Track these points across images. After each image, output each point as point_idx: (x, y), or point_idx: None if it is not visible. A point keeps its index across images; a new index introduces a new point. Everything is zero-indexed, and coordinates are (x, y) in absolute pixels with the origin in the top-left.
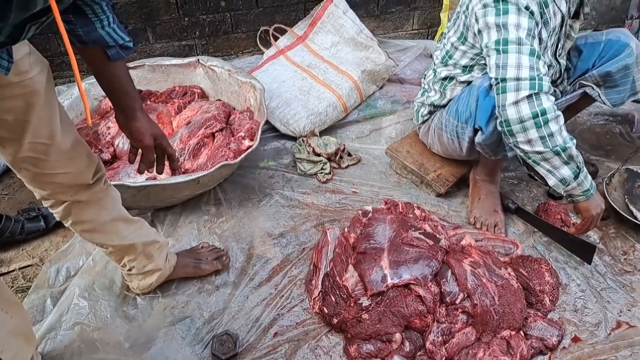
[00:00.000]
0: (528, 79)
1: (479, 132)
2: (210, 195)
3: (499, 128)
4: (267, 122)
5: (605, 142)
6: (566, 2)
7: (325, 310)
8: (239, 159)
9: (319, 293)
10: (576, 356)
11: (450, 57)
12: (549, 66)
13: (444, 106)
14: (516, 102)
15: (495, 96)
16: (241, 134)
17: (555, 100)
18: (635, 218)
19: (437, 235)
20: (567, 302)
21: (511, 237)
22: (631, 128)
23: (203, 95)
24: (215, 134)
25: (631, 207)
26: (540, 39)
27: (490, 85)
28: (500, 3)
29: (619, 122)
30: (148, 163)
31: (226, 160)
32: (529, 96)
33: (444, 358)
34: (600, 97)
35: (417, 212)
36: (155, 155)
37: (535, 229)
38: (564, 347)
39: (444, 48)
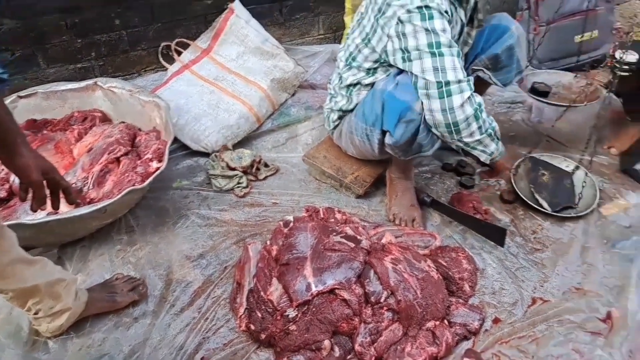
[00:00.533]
0: (465, 81)
1: (388, 135)
2: (122, 223)
3: (440, 130)
4: (176, 140)
5: (508, 129)
6: (464, 12)
7: (252, 327)
8: (147, 182)
9: (244, 310)
10: (497, 337)
11: (354, 59)
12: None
13: (352, 110)
14: (462, 105)
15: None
16: (148, 156)
17: None
18: (541, 206)
19: (358, 237)
20: (486, 285)
21: (429, 230)
22: (529, 115)
23: (105, 119)
24: (121, 159)
25: (537, 196)
26: None
27: (396, 87)
28: (424, 9)
29: (519, 109)
30: (40, 200)
31: (133, 185)
32: (469, 96)
33: (374, 358)
34: (491, 79)
35: (338, 215)
36: (47, 191)
37: (451, 219)
38: (486, 330)
39: (347, 49)
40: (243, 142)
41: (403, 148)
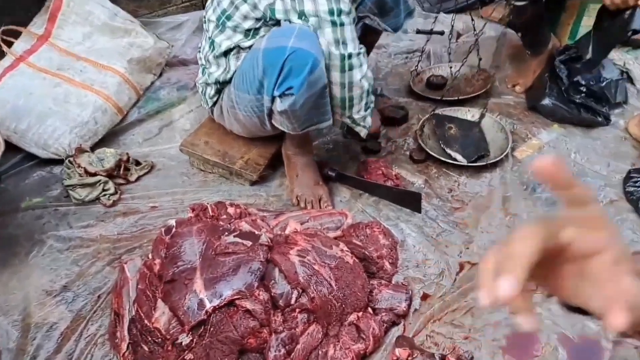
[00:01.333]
0: (363, 52)
1: (279, 101)
2: None
3: (332, 103)
4: (18, 150)
5: (409, 82)
6: None
7: None
8: None
9: (127, 346)
10: (428, 315)
11: (228, 18)
12: None
13: (231, 80)
14: (361, 79)
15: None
16: None
17: None
18: (455, 160)
19: (256, 232)
20: (408, 259)
21: (339, 208)
22: (429, 63)
23: None
24: None
25: (448, 151)
26: None
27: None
28: None
29: (416, 57)
30: None
31: None
32: (366, 69)
33: None
34: (380, 25)
35: (231, 210)
36: None
37: (361, 191)
38: (415, 310)
39: (218, 6)
40: (107, 141)
41: (301, 115)
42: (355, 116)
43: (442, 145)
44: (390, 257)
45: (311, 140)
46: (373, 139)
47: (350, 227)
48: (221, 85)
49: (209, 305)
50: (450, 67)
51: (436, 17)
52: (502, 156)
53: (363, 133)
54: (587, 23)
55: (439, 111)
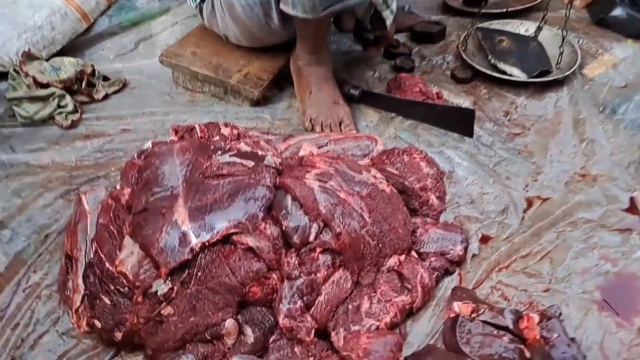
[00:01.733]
0: None
1: None
2: None
3: None
4: None
5: None
6: None
7: (99, 323)
8: None
9: (82, 298)
10: (492, 262)
11: None
12: None
13: None
14: None
15: None
16: None
17: None
18: (511, 75)
19: (260, 152)
20: (459, 193)
21: (365, 133)
22: None
23: None
24: None
25: (501, 66)
26: None
27: None
28: None
29: None
30: None
31: None
32: None
33: (313, 331)
34: None
35: (226, 130)
36: None
37: (393, 114)
38: (474, 255)
39: None
40: (68, 54)
41: None
42: None
43: (493, 61)
44: (437, 190)
45: (327, 46)
46: (391, 47)
47: (382, 153)
48: None
49: (195, 241)
50: None
51: None
52: (569, 72)
53: (390, 21)
54: None
55: (486, 24)
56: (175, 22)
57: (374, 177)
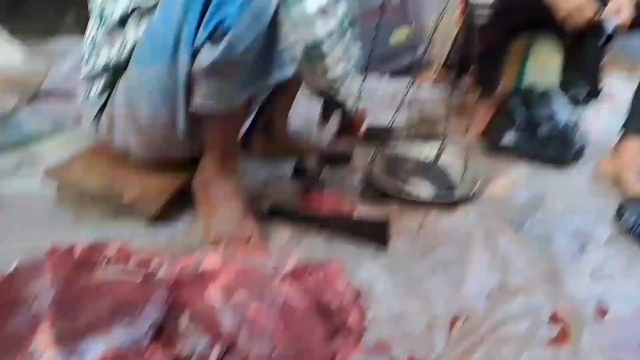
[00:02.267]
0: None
1: (206, 49)
2: None
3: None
4: None
5: None
6: None
7: None
8: None
9: None
10: None
11: None
12: None
13: (127, 65)
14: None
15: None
16: None
17: None
18: (414, 195)
19: (151, 267)
20: (379, 311)
21: (276, 249)
22: None
23: None
24: None
25: (407, 187)
26: None
27: None
28: None
29: None
30: None
31: None
32: None
33: None
34: None
35: (113, 250)
36: None
37: (306, 229)
38: None
39: None
40: None
41: (242, 66)
42: (333, 73)
43: (399, 183)
44: (355, 308)
45: (237, 158)
46: (300, 167)
47: (295, 269)
48: (113, 75)
49: None
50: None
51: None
52: (474, 189)
53: (351, 104)
54: (534, 66)
55: (391, 147)
56: (68, 143)
57: (287, 292)
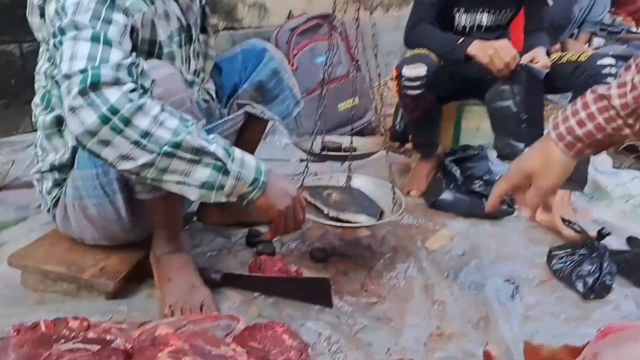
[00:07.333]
0: (79, 72)
1: None
2: None
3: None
4: None
5: None
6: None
7: None
8: None
9: None
10: None
11: (50, 91)
12: (192, 82)
13: (71, 164)
14: (72, 109)
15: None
16: None
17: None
18: (357, 222)
19: (108, 337)
20: None
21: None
22: None
23: None
24: None
25: (344, 216)
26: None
27: None
28: None
29: None
30: None
31: None
32: (82, 93)
33: None
34: (264, 113)
35: (75, 323)
36: None
37: (256, 293)
38: None
39: (39, 90)
40: None
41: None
42: (127, 166)
43: (332, 214)
44: None
45: (186, 234)
46: (252, 235)
47: (244, 330)
48: (60, 174)
49: None
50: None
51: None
52: (400, 212)
53: (194, 196)
54: (467, 126)
55: (307, 184)
56: (31, 230)
57: (234, 350)
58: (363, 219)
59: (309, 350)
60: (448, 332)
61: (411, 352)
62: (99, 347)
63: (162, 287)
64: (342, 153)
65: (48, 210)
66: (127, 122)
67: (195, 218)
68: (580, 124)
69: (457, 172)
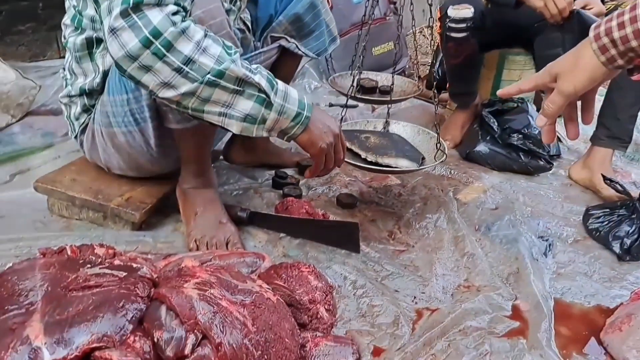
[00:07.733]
0: None
1: None
2: None
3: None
4: None
5: None
6: None
7: None
8: None
9: None
10: None
11: (81, 12)
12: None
13: (102, 89)
14: (113, 30)
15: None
16: None
17: (244, 55)
18: (397, 167)
19: (134, 265)
20: (349, 307)
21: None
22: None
23: None
24: None
25: (384, 161)
26: None
27: None
28: None
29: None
30: None
31: None
32: (124, 14)
33: None
34: (299, 48)
35: (101, 250)
36: None
37: (282, 233)
38: None
39: (70, 10)
40: None
41: None
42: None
43: (371, 158)
44: (326, 303)
45: (213, 170)
46: (279, 177)
47: (270, 269)
48: (89, 99)
49: (48, 358)
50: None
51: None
52: (444, 159)
53: (236, 129)
54: (508, 77)
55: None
56: (58, 157)
57: (260, 286)
58: (405, 164)
59: (334, 292)
60: (477, 285)
61: (437, 302)
62: (125, 273)
63: (188, 221)
64: (378, 98)
65: (75, 137)
66: (169, 46)
67: (221, 157)
68: (620, 25)
69: (494, 124)
